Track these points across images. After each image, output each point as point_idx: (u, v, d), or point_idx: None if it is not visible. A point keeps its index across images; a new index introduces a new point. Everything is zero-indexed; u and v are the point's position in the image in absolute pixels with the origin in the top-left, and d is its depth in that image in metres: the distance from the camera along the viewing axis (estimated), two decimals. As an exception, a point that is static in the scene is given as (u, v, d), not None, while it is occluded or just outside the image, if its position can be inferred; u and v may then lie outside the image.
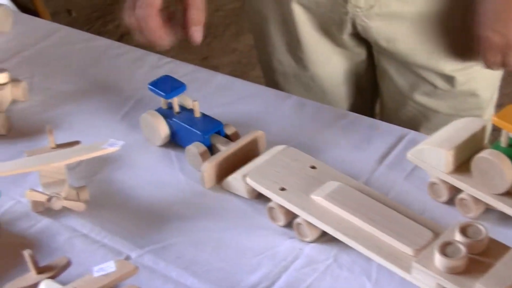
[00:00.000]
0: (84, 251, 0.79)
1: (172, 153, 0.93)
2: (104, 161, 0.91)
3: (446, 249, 0.69)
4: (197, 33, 0.92)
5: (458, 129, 0.83)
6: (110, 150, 0.84)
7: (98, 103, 1.04)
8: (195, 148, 0.88)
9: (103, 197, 0.87)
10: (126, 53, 1.16)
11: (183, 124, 0.91)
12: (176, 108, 0.93)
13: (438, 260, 0.68)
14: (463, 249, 0.68)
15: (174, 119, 0.92)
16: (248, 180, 0.83)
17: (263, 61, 1.24)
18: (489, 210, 0.80)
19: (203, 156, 0.87)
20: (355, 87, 1.20)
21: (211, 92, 1.04)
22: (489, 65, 0.98)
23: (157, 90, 0.93)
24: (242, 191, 0.85)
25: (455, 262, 0.68)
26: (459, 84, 1.10)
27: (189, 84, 0.95)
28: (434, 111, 1.13)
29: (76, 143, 0.91)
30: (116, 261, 0.71)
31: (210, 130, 0.90)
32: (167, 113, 0.93)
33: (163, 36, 0.92)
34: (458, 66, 1.08)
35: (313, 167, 0.84)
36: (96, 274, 0.70)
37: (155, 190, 0.88)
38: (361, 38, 1.12)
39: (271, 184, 0.82)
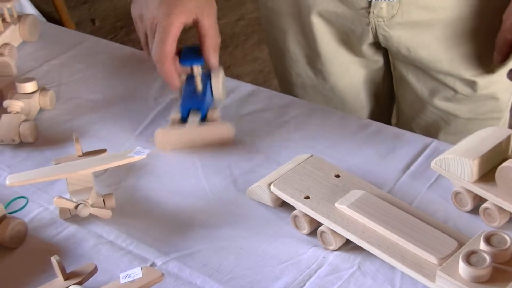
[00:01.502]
0: (110, 258, 0.80)
1: (197, 161, 0.94)
2: (129, 169, 0.92)
3: (470, 258, 0.69)
4: (214, 60, 0.98)
5: (482, 139, 0.82)
6: (136, 158, 0.85)
7: (124, 111, 1.05)
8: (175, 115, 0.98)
9: (129, 204, 0.88)
10: (151, 61, 1.16)
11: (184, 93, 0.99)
12: (191, 71, 1.00)
13: (463, 269, 0.68)
14: (488, 258, 0.68)
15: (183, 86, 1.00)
16: (273, 188, 0.84)
17: (280, 75, 1.25)
18: (513, 219, 0.80)
19: (173, 122, 0.97)
20: (373, 95, 1.21)
21: (234, 101, 1.05)
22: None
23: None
24: (267, 199, 0.85)
25: (480, 271, 0.67)
26: (480, 88, 1.10)
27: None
28: (453, 116, 1.13)
29: (102, 151, 0.92)
30: (143, 267, 0.72)
31: (186, 106, 0.98)
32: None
33: (176, 81, 0.97)
34: (479, 70, 1.08)
35: (337, 176, 0.85)
36: (122, 281, 0.70)
37: (180, 197, 0.88)
38: (379, 46, 1.12)
39: (295, 192, 0.82)
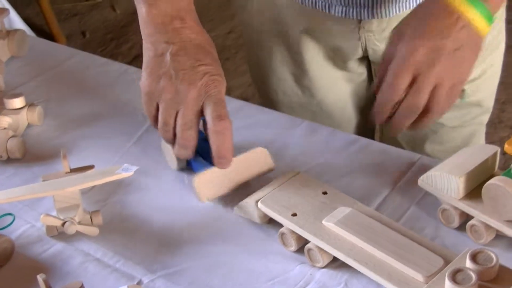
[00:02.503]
0: (97, 276, 0.80)
1: (185, 177, 0.94)
2: (117, 185, 0.92)
3: (456, 276, 0.69)
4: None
5: (469, 155, 0.83)
6: (124, 175, 0.85)
7: (112, 127, 1.05)
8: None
9: (116, 221, 0.87)
10: (140, 77, 1.17)
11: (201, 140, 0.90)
12: None
13: (449, 287, 0.68)
14: (473, 276, 0.68)
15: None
16: (260, 205, 0.84)
17: (265, 95, 1.24)
18: (500, 236, 0.81)
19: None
20: (359, 108, 1.21)
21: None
22: None
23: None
24: (254, 216, 0.85)
25: (466, 289, 0.68)
26: (467, 96, 1.10)
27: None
28: (440, 124, 1.14)
29: (90, 167, 0.92)
30: (129, 285, 0.72)
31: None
32: None
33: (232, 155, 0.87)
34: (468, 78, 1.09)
35: (324, 193, 0.85)
36: (109, 299, 0.70)
37: (168, 214, 0.88)
38: (363, 58, 1.12)
39: (282, 209, 0.82)
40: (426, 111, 0.86)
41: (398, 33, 0.86)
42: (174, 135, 0.87)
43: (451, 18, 0.83)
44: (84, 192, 0.91)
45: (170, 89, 0.85)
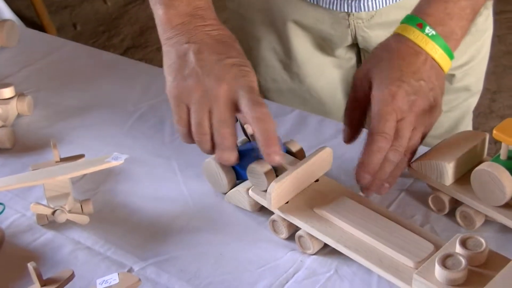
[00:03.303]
0: (88, 264, 0.80)
1: (176, 166, 0.94)
2: (107, 174, 0.92)
3: (446, 261, 0.69)
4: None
5: (458, 142, 0.83)
6: (114, 163, 0.85)
7: (103, 117, 1.05)
8: (259, 166, 0.81)
9: (107, 210, 0.87)
10: (130, 68, 1.17)
11: (243, 148, 0.85)
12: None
13: (439, 272, 0.69)
14: (463, 261, 0.68)
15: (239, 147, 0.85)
16: (251, 193, 0.84)
17: None
18: (489, 221, 0.81)
19: (268, 176, 0.80)
20: (348, 93, 1.21)
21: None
22: None
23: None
24: (245, 204, 0.85)
25: (456, 274, 0.68)
26: (456, 81, 1.11)
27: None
28: None
29: (80, 156, 0.92)
30: (120, 273, 0.72)
31: None
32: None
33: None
34: (456, 63, 1.09)
35: (316, 180, 0.85)
36: (99, 287, 0.70)
37: (158, 203, 0.88)
38: (352, 45, 1.12)
39: None
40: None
41: (368, 77, 0.84)
42: (212, 141, 0.81)
43: (419, 58, 0.83)
44: (74, 181, 0.90)
45: (199, 88, 0.80)
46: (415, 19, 0.84)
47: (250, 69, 0.82)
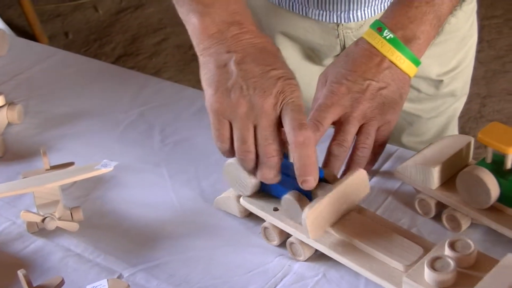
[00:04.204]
0: (78, 270, 0.80)
1: (165, 173, 0.94)
2: (97, 181, 0.93)
3: (435, 263, 0.70)
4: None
5: (444, 146, 0.84)
6: (103, 171, 0.86)
7: (92, 125, 1.05)
8: (291, 197, 0.78)
9: (97, 217, 0.88)
10: (120, 75, 1.17)
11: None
12: None
13: (428, 274, 0.69)
14: (452, 263, 0.69)
15: None
16: (242, 201, 0.84)
17: None
18: (476, 224, 0.82)
19: (302, 203, 0.77)
20: None
21: (198, 112, 1.05)
22: None
23: None
24: (234, 210, 0.86)
25: (445, 276, 0.68)
26: (443, 86, 1.12)
27: (179, 103, 0.95)
28: (416, 116, 1.15)
29: (70, 164, 0.92)
30: (109, 279, 0.72)
31: None
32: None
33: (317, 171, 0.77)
34: (444, 69, 1.10)
35: None
36: (88, 293, 0.71)
37: (148, 209, 0.89)
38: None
39: (264, 204, 0.83)
40: (356, 149, 0.87)
41: (324, 78, 0.89)
42: (256, 159, 0.78)
43: (374, 60, 0.87)
44: (64, 188, 0.91)
45: (244, 102, 0.75)
46: (377, 23, 0.88)
47: (296, 83, 0.78)
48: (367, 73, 0.86)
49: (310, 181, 0.75)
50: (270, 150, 0.76)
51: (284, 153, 0.79)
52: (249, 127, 0.76)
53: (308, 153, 0.74)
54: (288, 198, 0.77)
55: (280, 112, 0.76)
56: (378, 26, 0.87)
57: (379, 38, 0.86)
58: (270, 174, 0.77)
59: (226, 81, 0.77)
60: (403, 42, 0.86)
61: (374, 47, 0.87)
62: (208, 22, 0.80)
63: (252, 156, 0.77)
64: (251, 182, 0.81)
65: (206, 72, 0.79)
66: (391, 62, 0.86)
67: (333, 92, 0.86)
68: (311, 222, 0.75)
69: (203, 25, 0.80)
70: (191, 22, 0.81)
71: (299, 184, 0.75)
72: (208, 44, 0.80)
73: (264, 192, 0.83)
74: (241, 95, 0.76)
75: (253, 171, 0.79)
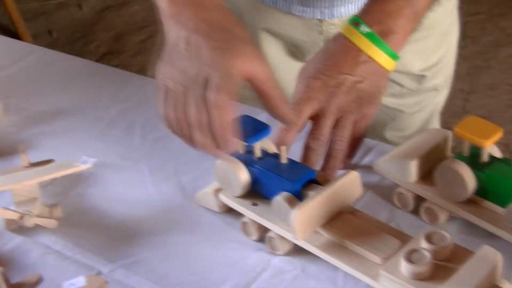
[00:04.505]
0: (56, 267, 0.80)
1: (145, 169, 0.94)
2: (77, 179, 0.93)
3: (412, 256, 0.70)
4: (290, 112, 0.82)
5: (422, 140, 0.84)
6: (82, 167, 0.86)
7: (72, 123, 1.05)
8: (281, 198, 0.77)
9: (76, 214, 0.88)
10: (102, 73, 1.17)
11: (269, 171, 0.80)
12: (258, 153, 0.82)
13: (404, 266, 0.70)
14: (428, 255, 0.70)
15: (257, 166, 0.81)
16: (221, 196, 0.84)
17: None
18: (453, 217, 0.82)
19: (292, 205, 0.77)
20: None
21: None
22: None
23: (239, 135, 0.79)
24: (213, 206, 0.86)
25: (421, 268, 0.69)
26: (426, 81, 1.13)
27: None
28: (399, 111, 1.16)
29: (49, 161, 0.92)
30: (87, 275, 0.72)
31: (302, 178, 0.79)
32: (246, 159, 0.82)
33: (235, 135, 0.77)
34: (426, 64, 1.11)
35: None
36: (66, 289, 0.71)
37: (128, 206, 0.89)
38: None
39: (243, 200, 0.83)
40: (332, 142, 0.88)
41: (302, 74, 0.90)
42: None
43: (350, 54, 0.88)
44: (43, 185, 0.91)
45: (178, 75, 0.77)
46: (354, 18, 0.88)
47: (234, 50, 0.76)
48: (344, 68, 0.87)
49: (229, 143, 0.75)
50: (220, 117, 0.74)
51: (274, 153, 0.82)
52: (183, 100, 0.76)
53: (225, 116, 0.74)
54: (278, 199, 0.78)
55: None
56: (355, 21, 0.88)
57: (356, 33, 0.87)
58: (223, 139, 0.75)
59: (172, 59, 0.78)
60: (380, 36, 0.87)
61: (351, 42, 0.88)
62: (172, 5, 0.80)
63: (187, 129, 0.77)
64: (241, 182, 0.81)
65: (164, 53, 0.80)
66: (368, 56, 0.87)
67: (309, 86, 0.87)
68: (300, 223, 0.75)
69: (168, 8, 0.80)
70: (160, 6, 0.82)
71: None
72: (169, 24, 0.80)
73: (254, 192, 0.82)
74: (181, 66, 0.76)
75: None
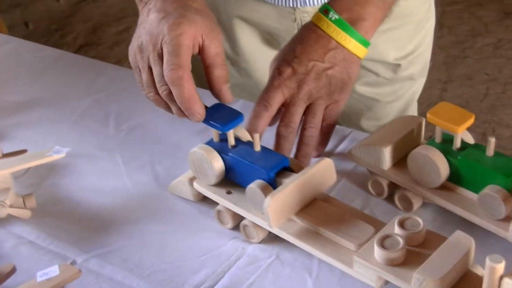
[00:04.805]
0: (30, 258, 0.79)
1: (119, 158, 0.94)
2: (51, 169, 0.92)
3: (385, 242, 0.70)
4: (227, 92, 0.83)
5: (395, 127, 0.85)
6: (55, 157, 0.85)
7: (47, 113, 1.04)
8: (255, 186, 0.77)
9: (50, 204, 0.87)
10: (77, 64, 1.16)
11: (243, 160, 0.79)
12: (232, 141, 0.82)
13: (378, 252, 0.70)
14: (401, 241, 0.70)
15: (230, 154, 0.81)
16: (195, 185, 0.84)
17: (200, 78, 1.24)
18: (427, 204, 0.83)
19: (266, 193, 0.76)
20: None
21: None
22: None
23: (211, 122, 0.80)
24: (188, 194, 0.86)
25: (394, 254, 0.69)
26: (401, 70, 1.13)
27: (134, 89, 0.95)
28: (375, 100, 1.16)
29: (22, 152, 0.91)
30: (60, 265, 0.72)
31: (276, 166, 0.78)
32: (220, 147, 0.82)
33: (200, 106, 0.79)
34: (401, 53, 1.11)
35: None
36: (39, 279, 0.70)
37: (102, 196, 0.88)
38: None
39: (217, 188, 0.83)
40: (303, 129, 0.89)
41: (274, 62, 0.91)
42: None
43: (320, 42, 0.89)
44: (17, 176, 0.90)
45: (139, 48, 0.82)
46: (324, 6, 0.90)
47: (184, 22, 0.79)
48: (313, 55, 0.88)
49: (194, 114, 0.78)
50: (169, 71, 0.77)
51: (248, 141, 0.81)
52: (146, 69, 0.81)
53: (182, 91, 0.77)
54: (252, 187, 0.77)
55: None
56: (325, 9, 0.89)
57: (325, 20, 0.88)
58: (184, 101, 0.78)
59: (137, 34, 0.82)
60: (349, 23, 0.88)
61: (321, 29, 0.89)
62: None
63: (157, 96, 0.81)
64: (216, 171, 0.81)
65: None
66: (338, 43, 0.88)
67: (279, 74, 0.88)
68: (273, 211, 0.75)
69: None
70: None
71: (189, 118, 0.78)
72: (139, 9, 0.85)
73: (228, 181, 0.82)
74: (138, 42, 0.81)
75: (178, 112, 0.81)
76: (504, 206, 0.74)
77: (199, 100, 0.78)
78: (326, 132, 0.91)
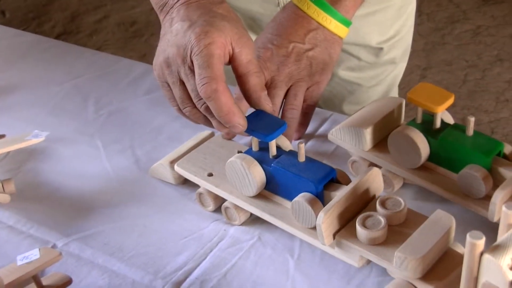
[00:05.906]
0: (10, 242, 0.79)
1: (99, 143, 0.93)
2: (30, 154, 0.91)
3: (366, 221, 0.70)
4: (266, 99, 0.78)
5: (375, 108, 0.85)
6: (34, 141, 0.84)
7: (25, 98, 1.03)
8: (302, 199, 0.73)
9: (30, 188, 0.86)
10: (53, 48, 1.15)
11: (287, 171, 0.75)
12: (274, 151, 0.77)
13: (360, 232, 0.70)
14: (383, 220, 0.70)
15: (273, 165, 0.76)
16: (176, 168, 0.84)
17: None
18: (407, 184, 0.83)
19: (314, 207, 0.73)
20: None
21: (141, 84, 1.05)
22: None
23: (255, 132, 0.75)
24: (169, 178, 0.86)
25: (376, 233, 0.69)
26: (383, 54, 1.13)
27: (113, 74, 0.95)
28: (357, 85, 1.17)
29: (1, 136, 0.90)
30: (40, 248, 0.71)
31: (324, 178, 0.74)
32: (260, 157, 0.77)
33: (241, 116, 0.74)
34: (383, 37, 1.12)
35: (239, 152, 0.85)
36: (19, 263, 0.69)
37: (82, 180, 0.88)
38: None
39: (198, 170, 0.83)
40: (284, 110, 0.88)
41: (254, 44, 0.86)
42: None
43: (300, 23, 0.88)
44: (-5, 161, 0.89)
45: (166, 61, 0.77)
46: None
47: (213, 31, 0.74)
48: (293, 36, 0.87)
49: (235, 126, 0.73)
50: (203, 84, 0.72)
51: (290, 151, 0.78)
52: (177, 84, 0.76)
53: (220, 104, 0.72)
54: (299, 201, 0.73)
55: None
56: None
57: (305, 1, 0.88)
58: (227, 117, 0.73)
59: (162, 47, 0.77)
60: (330, 3, 0.88)
61: (301, 10, 0.88)
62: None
63: (194, 110, 0.76)
64: (256, 182, 0.76)
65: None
66: (319, 23, 0.88)
67: (259, 57, 0.87)
68: (327, 227, 0.71)
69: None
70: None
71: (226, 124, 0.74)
72: (160, 19, 0.81)
73: (268, 190, 0.78)
74: (164, 55, 0.76)
75: (218, 126, 0.77)
76: (484, 185, 0.75)
77: (238, 111, 0.73)
78: (307, 113, 0.91)
